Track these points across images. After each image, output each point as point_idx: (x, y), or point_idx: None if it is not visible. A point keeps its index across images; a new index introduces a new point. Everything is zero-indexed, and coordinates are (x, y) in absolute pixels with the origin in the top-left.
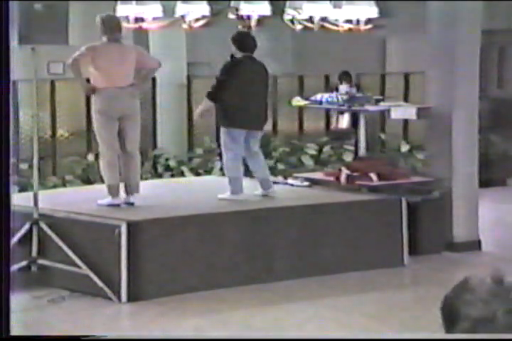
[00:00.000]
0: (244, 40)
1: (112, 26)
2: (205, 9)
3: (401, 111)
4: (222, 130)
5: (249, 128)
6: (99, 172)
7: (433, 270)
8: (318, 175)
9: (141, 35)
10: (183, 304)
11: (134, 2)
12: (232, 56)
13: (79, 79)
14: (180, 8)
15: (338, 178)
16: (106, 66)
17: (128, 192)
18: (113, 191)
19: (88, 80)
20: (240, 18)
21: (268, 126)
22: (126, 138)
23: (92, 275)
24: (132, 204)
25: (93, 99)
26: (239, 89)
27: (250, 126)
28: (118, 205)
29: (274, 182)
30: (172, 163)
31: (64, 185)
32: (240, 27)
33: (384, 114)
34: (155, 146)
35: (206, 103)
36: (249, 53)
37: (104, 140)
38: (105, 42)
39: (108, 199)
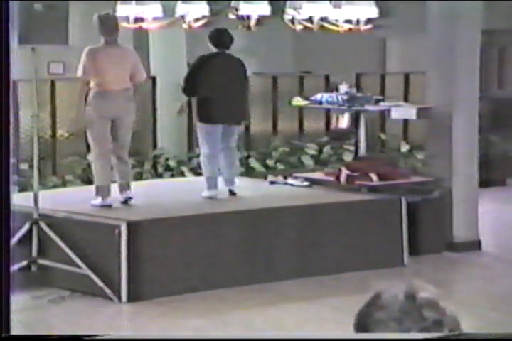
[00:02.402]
0: (218, 37)
1: (110, 26)
2: (205, 9)
3: (401, 111)
4: (198, 125)
5: (224, 123)
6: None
7: (433, 270)
8: (318, 175)
9: (141, 35)
10: (183, 304)
11: (134, 2)
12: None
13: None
14: (180, 8)
15: (338, 178)
16: (104, 69)
17: (121, 189)
18: (103, 192)
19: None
20: (240, 18)
21: (268, 126)
22: (116, 141)
23: (92, 275)
24: (130, 198)
25: (89, 100)
26: (211, 84)
27: (225, 120)
28: (110, 206)
29: (274, 182)
30: (172, 163)
31: (64, 185)
32: (240, 27)
33: (384, 114)
34: (155, 146)
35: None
36: (224, 49)
37: (96, 141)
38: (104, 44)
39: (100, 200)
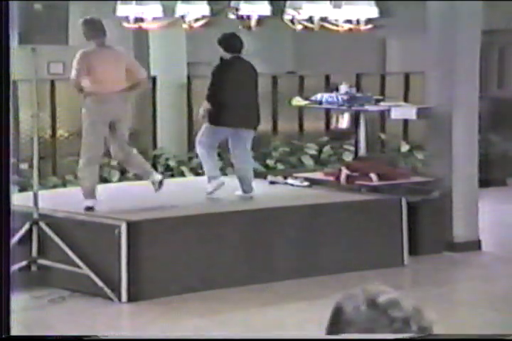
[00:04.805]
0: (230, 42)
1: (97, 30)
2: (205, 9)
3: (401, 111)
4: (206, 126)
5: (236, 127)
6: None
7: (433, 270)
8: (318, 175)
9: (141, 35)
10: (183, 304)
11: (134, 2)
12: (221, 58)
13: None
14: (180, 8)
15: (338, 178)
16: (99, 71)
17: (146, 177)
18: (88, 193)
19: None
20: (240, 18)
21: (268, 126)
22: (115, 143)
23: (92, 275)
24: (162, 182)
25: (85, 102)
26: (228, 89)
27: (237, 124)
28: (91, 208)
29: (274, 182)
30: (172, 163)
31: (64, 185)
32: (240, 27)
33: (384, 114)
34: (155, 146)
35: (206, 105)
36: (237, 54)
37: (91, 141)
38: (96, 47)
39: (86, 202)
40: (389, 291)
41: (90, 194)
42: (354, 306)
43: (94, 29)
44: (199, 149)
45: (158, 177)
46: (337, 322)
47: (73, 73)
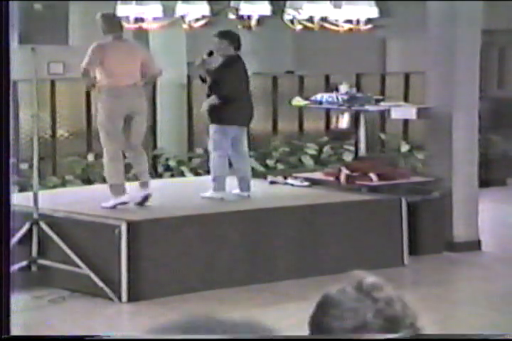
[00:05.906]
0: (236, 37)
1: (114, 24)
2: (205, 9)
3: (401, 111)
4: (215, 127)
5: (243, 125)
6: (99, 172)
7: (433, 270)
8: (318, 175)
9: (141, 35)
10: (183, 304)
11: (134, 2)
12: (210, 52)
13: (89, 82)
14: (180, 8)
15: (338, 178)
16: (114, 64)
17: (141, 186)
18: (117, 190)
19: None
20: (240, 18)
21: (268, 126)
22: (131, 134)
23: (92, 275)
24: (148, 196)
25: (100, 96)
26: (234, 86)
27: (243, 122)
28: (126, 203)
29: (274, 182)
30: (172, 163)
31: (64, 185)
32: (240, 27)
33: (384, 114)
34: (155, 146)
35: (214, 99)
36: (239, 51)
37: (108, 136)
38: (112, 40)
39: (112, 201)
40: (375, 277)
41: (119, 192)
42: (339, 289)
43: (111, 23)
44: (214, 156)
45: (145, 193)
46: (323, 305)
47: (84, 62)
